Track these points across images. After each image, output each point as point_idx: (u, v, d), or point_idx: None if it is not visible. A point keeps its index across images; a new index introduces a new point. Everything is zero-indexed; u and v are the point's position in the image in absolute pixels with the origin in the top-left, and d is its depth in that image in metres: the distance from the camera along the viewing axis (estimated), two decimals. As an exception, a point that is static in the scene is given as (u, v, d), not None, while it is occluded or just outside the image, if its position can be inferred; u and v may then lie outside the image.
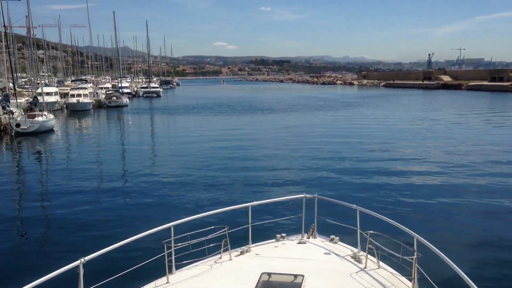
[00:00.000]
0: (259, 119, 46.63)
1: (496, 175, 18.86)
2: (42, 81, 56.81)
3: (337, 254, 6.20)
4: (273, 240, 6.81)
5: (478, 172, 19.41)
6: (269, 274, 5.18)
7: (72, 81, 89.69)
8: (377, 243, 5.72)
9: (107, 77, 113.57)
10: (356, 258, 6.01)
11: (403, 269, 5.49)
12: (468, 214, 13.97)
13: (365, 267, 5.72)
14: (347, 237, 6.91)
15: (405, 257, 5.25)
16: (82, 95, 60.34)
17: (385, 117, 46.34)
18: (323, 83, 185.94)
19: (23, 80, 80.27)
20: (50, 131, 37.36)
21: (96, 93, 68.76)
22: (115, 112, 58.05)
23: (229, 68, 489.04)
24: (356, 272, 5.57)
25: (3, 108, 37.79)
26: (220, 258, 6.09)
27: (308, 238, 6.88)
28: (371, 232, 5.76)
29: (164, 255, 5.42)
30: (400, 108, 57.39)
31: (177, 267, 5.72)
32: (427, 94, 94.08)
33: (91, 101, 61.47)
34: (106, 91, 73.51)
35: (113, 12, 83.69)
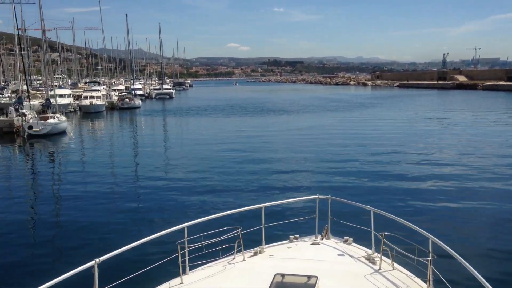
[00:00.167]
0: (272, 120, 46.56)
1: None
2: (55, 83, 57.27)
3: (351, 256, 6.16)
4: (287, 241, 6.80)
5: (496, 175, 19.03)
6: (283, 275, 5.17)
7: (85, 83, 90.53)
8: (391, 245, 5.67)
9: (120, 79, 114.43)
10: (370, 259, 5.97)
11: (418, 271, 5.43)
12: (485, 217, 13.75)
13: (380, 269, 5.68)
14: (361, 238, 6.86)
15: (420, 259, 5.20)
16: (95, 97, 60.86)
17: (399, 118, 45.99)
18: (336, 84, 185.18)
19: (38, 82, 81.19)
20: (63, 133, 37.55)
21: (109, 95, 69.20)
22: (127, 114, 58.39)
23: (242, 69, 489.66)
24: (371, 274, 5.53)
25: (16, 110, 38.15)
26: (234, 259, 6.09)
27: (322, 239, 6.85)
28: (386, 233, 5.71)
29: (178, 255, 5.44)
30: (415, 109, 56.89)
31: (191, 268, 5.74)
32: (442, 94, 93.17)
33: (103, 103, 61.84)
34: (119, 93, 73.98)
35: (126, 14, 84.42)
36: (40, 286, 4.11)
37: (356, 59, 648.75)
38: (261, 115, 52.66)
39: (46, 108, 39.09)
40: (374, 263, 5.86)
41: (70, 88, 72.20)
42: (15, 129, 36.58)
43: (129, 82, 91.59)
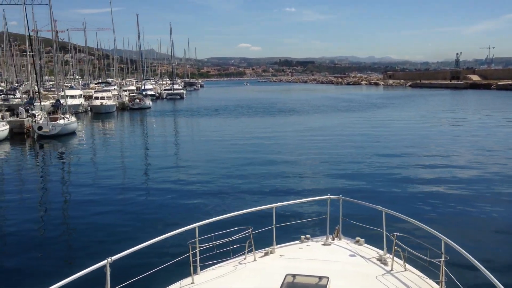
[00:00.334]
0: (282, 121, 46.49)
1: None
2: (65, 84, 57.60)
3: (362, 256, 6.12)
4: (298, 242, 6.78)
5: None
6: (294, 276, 5.16)
7: (96, 83, 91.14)
8: (403, 245, 5.63)
9: (132, 80, 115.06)
10: (382, 260, 5.93)
11: (431, 272, 5.38)
12: (499, 220, 13.55)
13: (391, 270, 5.64)
14: (373, 239, 6.83)
15: (432, 260, 5.15)
16: (105, 98, 61.18)
17: (412, 118, 45.65)
18: (348, 84, 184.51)
19: (50, 83, 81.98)
20: (72, 133, 37.66)
21: (120, 95, 69.61)
22: (137, 115, 58.66)
23: (253, 69, 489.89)
24: (382, 275, 5.49)
25: (26, 111, 38.36)
26: (245, 259, 6.09)
27: (333, 239, 6.82)
28: (397, 234, 5.66)
29: (189, 255, 5.45)
30: (427, 109, 56.45)
31: (202, 268, 5.75)
32: (455, 94, 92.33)
33: (114, 103, 62.19)
34: (129, 94, 74.41)
35: (137, 15, 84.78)
36: (52, 285, 4.14)
37: (368, 59, 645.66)
38: (272, 115, 52.61)
39: (56, 109, 39.32)
40: (385, 264, 5.82)
41: (82, 89, 72.69)
42: (25, 129, 36.77)
43: (140, 83, 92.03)
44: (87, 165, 24.79)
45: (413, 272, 5.60)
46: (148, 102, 69.32)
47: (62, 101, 41.71)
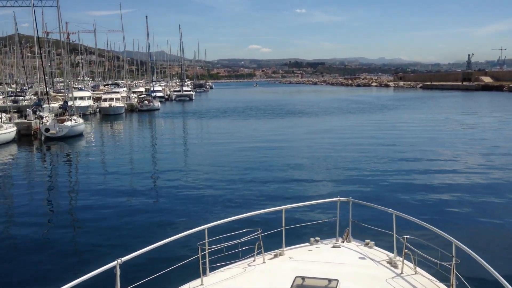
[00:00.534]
0: (291, 122, 46.45)
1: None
2: (74, 86, 57.85)
3: (372, 259, 6.09)
4: (307, 244, 6.76)
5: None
6: (303, 278, 5.14)
7: (105, 85, 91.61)
8: (413, 248, 5.58)
9: (141, 81, 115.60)
10: (392, 263, 5.89)
11: (441, 275, 5.34)
12: (511, 222, 13.45)
13: (402, 273, 5.60)
14: (383, 241, 6.78)
15: (443, 263, 5.12)
16: (114, 99, 61.36)
17: (423, 120, 45.36)
18: (358, 85, 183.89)
19: (61, 84, 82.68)
20: (80, 135, 37.57)
21: (129, 97, 69.86)
22: (146, 116, 58.81)
23: (263, 70, 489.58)
24: (392, 278, 5.45)
25: (34, 112, 38.38)
26: (254, 261, 6.08)
27: (343, 242, 6.79)
28: (408, 236, 5.62)
29: (198, 257, 5.46)
30: (439, 111, 56.04)
31: (211, 269, 5.75)
32: (467, 95, 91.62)
33: (123, 105, 62.39)
34: (138, 95, 74.63)
35: (146, 16, 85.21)
36: (63, 285, 4.17)
37: (378, 60, 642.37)
38: (281, 117, 52.57)
39: (63, 111, 39.32)
40: (396, 267, 5.78)
41: (92, 90, 73.04)
42: (32, 131, 36.80)
43: (150, 84, 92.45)
44: (94, 167, 24.84)
45: (423, 275, 5.55)
46: (157, 103, 69.51)
47: (70, 102, 41.85)
